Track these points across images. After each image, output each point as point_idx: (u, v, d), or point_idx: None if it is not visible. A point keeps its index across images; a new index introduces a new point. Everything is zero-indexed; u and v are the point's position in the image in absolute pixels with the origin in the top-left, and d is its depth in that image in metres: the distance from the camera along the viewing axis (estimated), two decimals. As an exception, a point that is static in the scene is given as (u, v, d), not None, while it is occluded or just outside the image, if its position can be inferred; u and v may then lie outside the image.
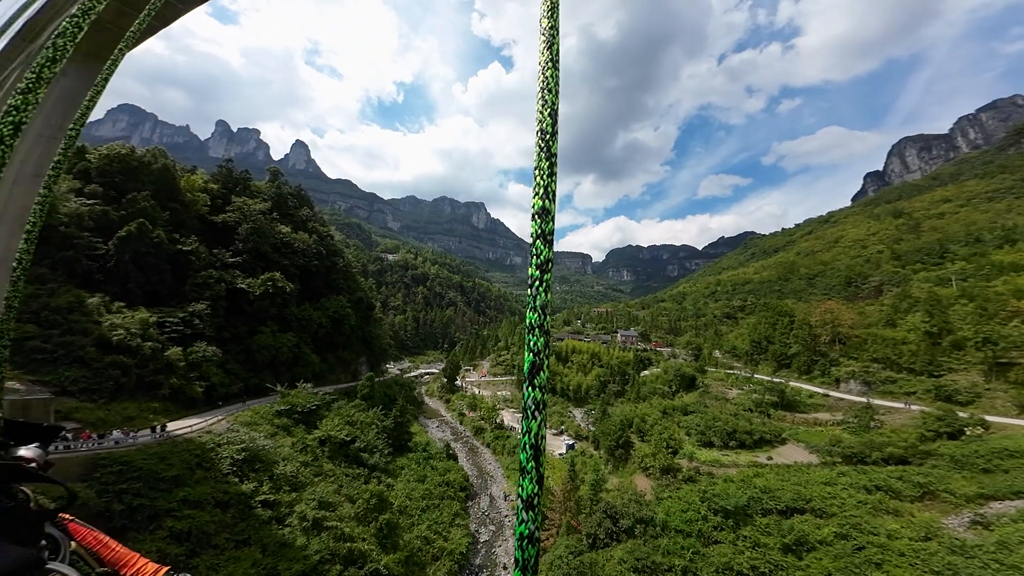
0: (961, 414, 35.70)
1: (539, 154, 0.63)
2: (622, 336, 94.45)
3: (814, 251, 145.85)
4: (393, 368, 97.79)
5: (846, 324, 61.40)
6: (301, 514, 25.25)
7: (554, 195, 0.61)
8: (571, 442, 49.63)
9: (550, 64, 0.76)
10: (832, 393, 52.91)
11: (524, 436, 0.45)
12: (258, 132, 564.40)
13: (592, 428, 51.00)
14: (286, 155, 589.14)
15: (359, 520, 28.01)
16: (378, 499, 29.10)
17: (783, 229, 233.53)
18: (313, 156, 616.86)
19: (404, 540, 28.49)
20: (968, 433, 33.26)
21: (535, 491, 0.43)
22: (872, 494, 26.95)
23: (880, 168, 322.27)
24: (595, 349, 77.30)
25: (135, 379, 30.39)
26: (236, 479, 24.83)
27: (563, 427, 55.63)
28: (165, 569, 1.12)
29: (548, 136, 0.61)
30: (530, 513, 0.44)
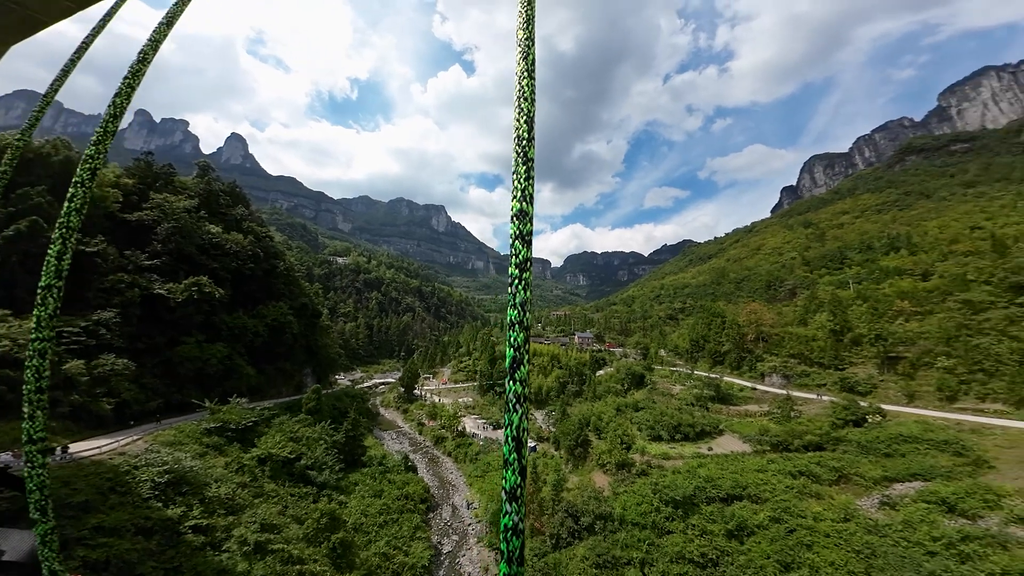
0: (863, 403, 41.00)
1: (516, 159, 0.65)
2: (579, 338, 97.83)
3: (741, 258, 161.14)
4: (343, 379, 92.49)
5: (767, 324, 68.54)
6: (241, 538, 23.19)
7: (532, 198, 0.64)
8: (533, 444, 50.21)
9: (526, 74, 0.77)
10: (759, 386, 58.67)
11: (507, 429, 0.47)
12: (186, 123, 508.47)
13: (553, 429, 52.00)
14: (219, 149, 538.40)
15: (309, 541, 26.25)
16: (329, 518, 27.45)
17: (715, 238, 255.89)
18: (252, 151, 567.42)
19: (361, 558, 27.06)
20: (870, 421, 38.52)
21: (518, 482, 0.44)
22: (797, 479, 30.12)
23: (794, 183, 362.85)
24: (555, 351, 79.09)
25: (25, 401, 25.80)
26: (159, 504, 22.42)
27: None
28: None
29: (525, 142, 0.64)
30: (513, 504, 0.46)
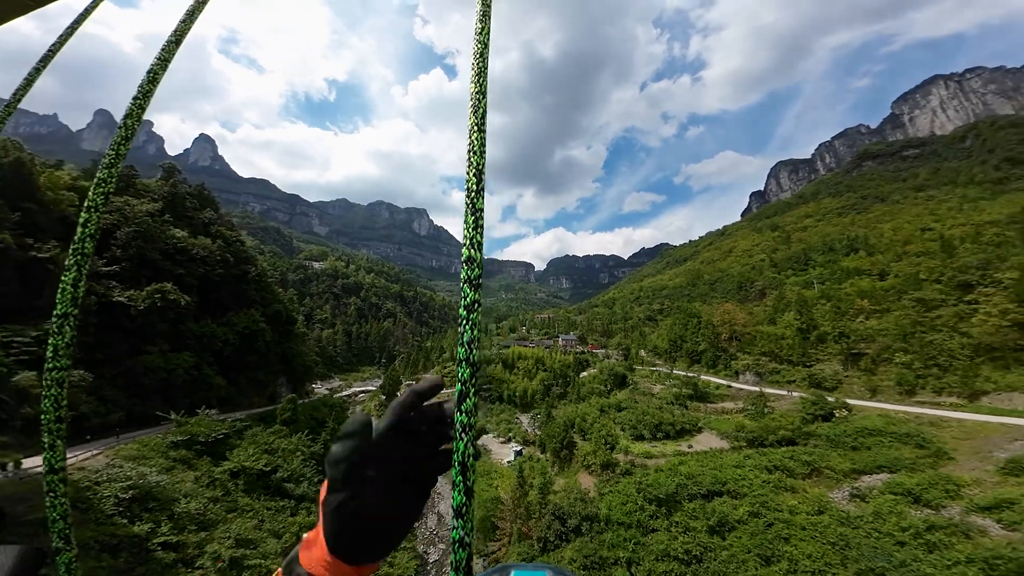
0: (830, 399, 43.00)
1: (466, 209, 0.66)
2: (563, 340, 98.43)
3: (714, 260, 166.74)
4: (321, 388, 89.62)
5: (740, 323, 71.11)
6: (214, 554, 22.19)
7: (480, 246, 0.55)
8: (519, 448, 49.94)
9: (476, 128, 0.75)
10: (733, 384, 60.71)
11: (455, 454, 0.49)
12: (150, 124, 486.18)
13: (538, 432, 51.92)
14: (186, 150, 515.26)
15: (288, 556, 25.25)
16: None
17: (690, 241, 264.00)
18: (222, 152, 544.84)
19: (341, 574, 26.19)
20: (837, 415, 40.42)
21: (464, 501, 0.46)
22: (772, 473, 31.23)
23: (762, 188, 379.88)
24: (539, 354, 79.24)
25: (-32, 415, 23.92)
26: (125, 520, 21.31)
27: (511, 434, 55.75)
28: None
29: (474, 194, 0.65)
30: (459, 520, 0.49)
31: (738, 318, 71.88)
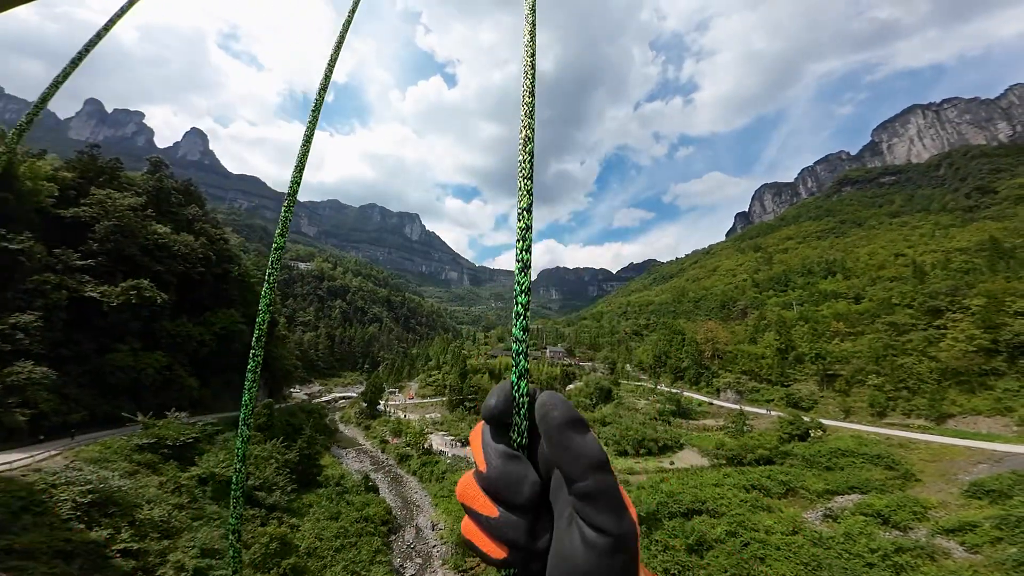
0: (806, 418, 44.01)
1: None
2: (550, 352, 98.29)
3: (699, 278, 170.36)
4: (299, 392, 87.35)
5: (722, 342, 72.51)
6: (177, 563, 21.01)
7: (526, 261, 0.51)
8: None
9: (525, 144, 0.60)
10: (715, 401, 61.56)
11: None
12: (141, 115, 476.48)
13: (519, 446, 51.48)
14: (176, 143, 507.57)
15: (257, 567, 24.28)
16: (280, 542, 25.58)
17: (677, 258, 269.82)
18: (212, 147, 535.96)
19: (312, 588, 25.29)
20: (812, 435, 41.33)
21: None
22: (750, 493, 31.55)
23: (747, 209, 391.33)
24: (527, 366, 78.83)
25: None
26: (82, 525, 20.10)
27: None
28: None
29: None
30: None
31: (721, 336, 73.28)
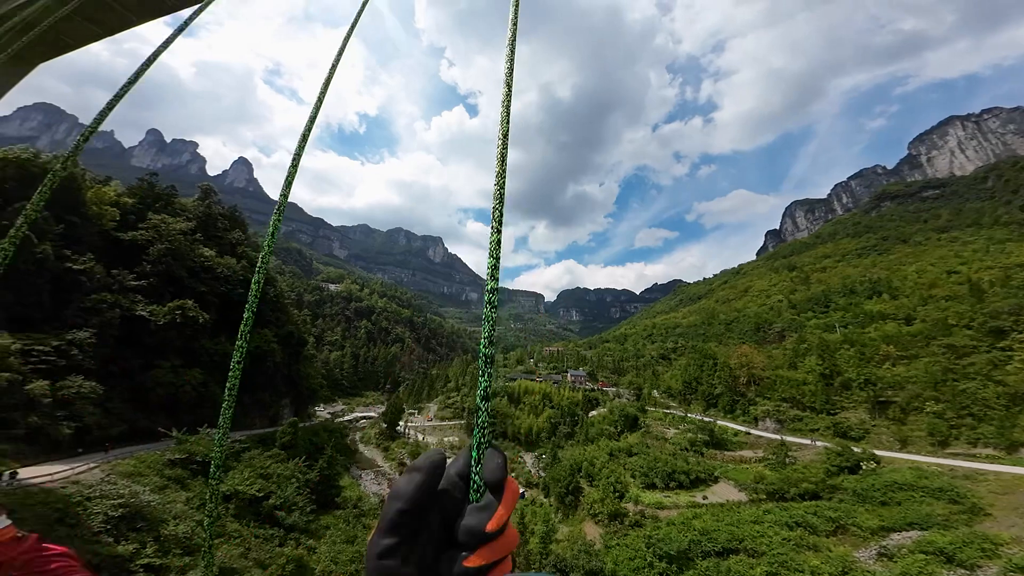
0: (856, 449, 40.32)
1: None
2: (572, 376, 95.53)
3: (729, 299, 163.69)
4: (323, 411, 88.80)
5: (758, 367, 68.40)
6: None
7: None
8: (521, 491, 47.80)
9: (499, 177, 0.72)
10: (752, 431, 57.51)
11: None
12: (195, 145, 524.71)
13: (543, 474, 49.60)
14: (224, 171, 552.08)
15: (271, 590, 24.10)
16: (296, 564, 25.47)
17: (704, 278, 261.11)
18: (256, 175, 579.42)
19: (326, 612, 24.79)
20: (864, 467, 37.63)
21: None
22: (793, 530, 28.82)
23: (777, 227, 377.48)
24: (547, 389, 77.28)
25: (-22, 417, 24.60)
26: (111, 539, 20.74)
27: (513, 474, 53.49)
28: None
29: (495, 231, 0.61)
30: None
31: (756, 361, 69.28)
